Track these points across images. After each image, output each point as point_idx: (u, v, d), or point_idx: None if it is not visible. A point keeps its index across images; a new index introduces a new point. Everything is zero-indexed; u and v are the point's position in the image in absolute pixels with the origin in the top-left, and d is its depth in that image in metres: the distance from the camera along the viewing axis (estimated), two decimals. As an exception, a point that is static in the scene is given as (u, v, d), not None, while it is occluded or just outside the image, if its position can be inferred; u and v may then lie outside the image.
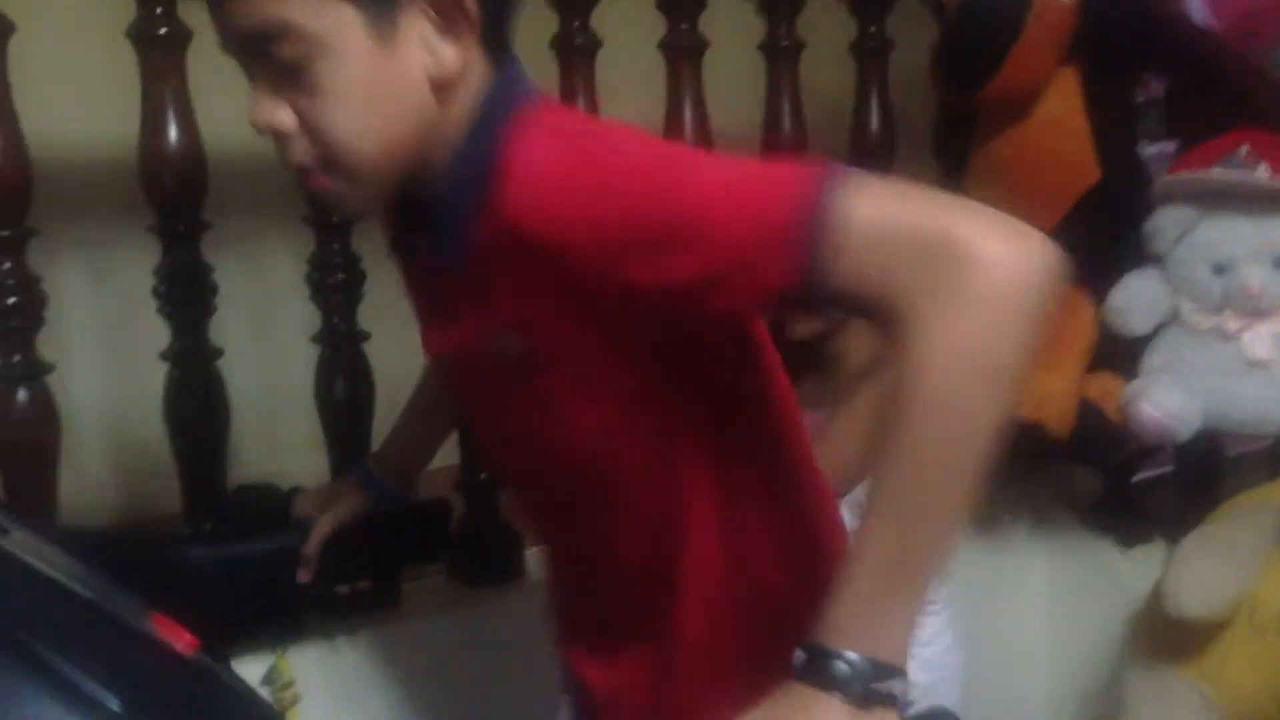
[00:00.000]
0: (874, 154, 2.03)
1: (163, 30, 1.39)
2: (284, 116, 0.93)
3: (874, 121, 2.03)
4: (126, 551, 1.29)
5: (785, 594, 1.02)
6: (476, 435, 1.28)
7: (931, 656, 1.70)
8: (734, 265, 0.86)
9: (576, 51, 1.71)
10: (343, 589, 1.50)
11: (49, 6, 1.34)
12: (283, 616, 1.49)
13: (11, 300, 1.38)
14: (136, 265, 1.49)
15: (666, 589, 1.04)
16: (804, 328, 1.65)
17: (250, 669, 1.48)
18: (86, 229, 1.63)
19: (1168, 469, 2.10)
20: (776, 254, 0.84)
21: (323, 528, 1.37)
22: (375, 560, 1.44)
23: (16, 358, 1.39)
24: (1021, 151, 1.89)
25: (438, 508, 1.43)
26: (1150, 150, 1.99)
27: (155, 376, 1.49)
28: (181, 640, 0.94)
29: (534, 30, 1.68)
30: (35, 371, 1.41)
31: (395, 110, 0.94)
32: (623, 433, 0.99)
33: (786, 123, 1.93)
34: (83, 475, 1.63)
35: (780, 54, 1.92)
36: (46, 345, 1.41)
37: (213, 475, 1.52)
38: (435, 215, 0.97)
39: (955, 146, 2.03)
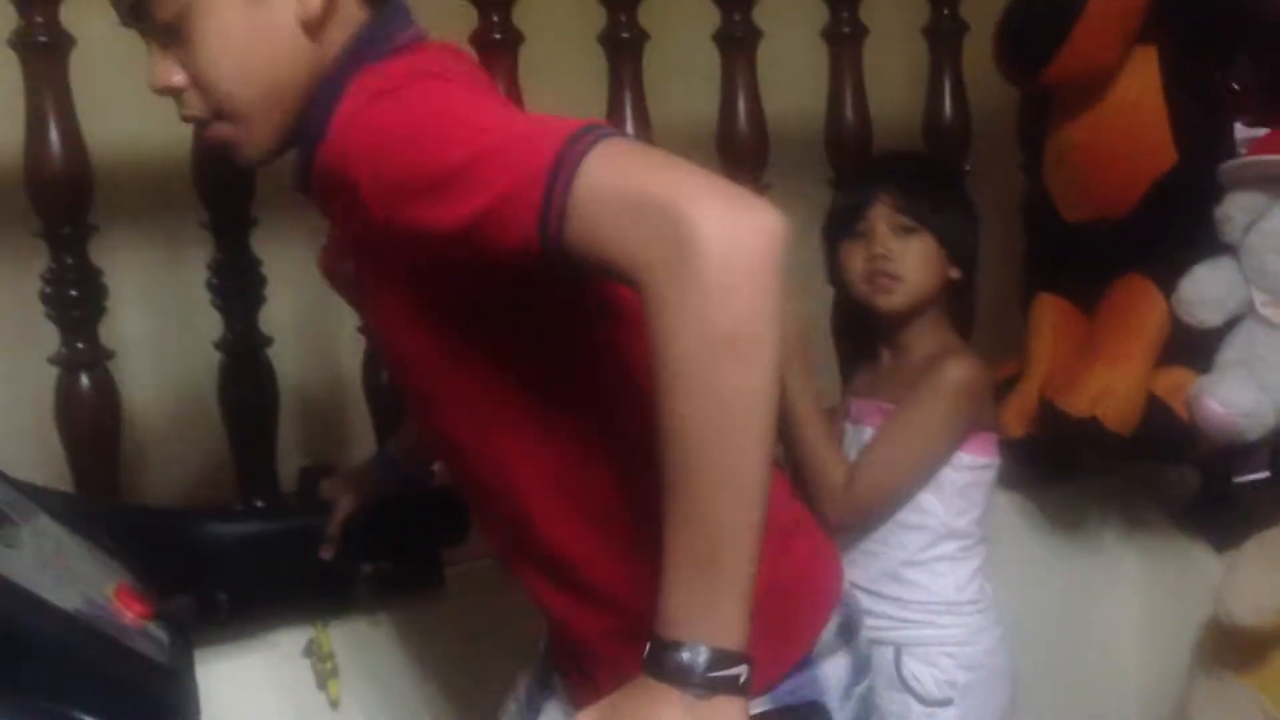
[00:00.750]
0: (947, 140, 2.00)
1: (43, 39, 1.45)
2: (177, 76, 1.02)
3: (947, 107, 1.99)
4: (158, 527, 1.41)
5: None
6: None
7: (970, 656, 1.67)
8: (490, 213, 0.87)
9: (624, 45, 1.74)
10: (367, 568, 1.57)
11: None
12: (318, 592, 1.57)
13: (74, 292, 1.50)
14: (194, 260, 1.60)
15: (523, 509, 1.08)
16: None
17: (292, 641, 1.58)
18: (143, 226, 1.75)
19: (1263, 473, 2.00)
20: (523, 203, 0.85)
21: (343, 509, 1.45)
22: (396, 541, 1.50)
23: (80, 345, 1.51)
24: (1095, 135, 1.83)
25: (457, 493, 1.48)
26: (1244, 135, 1.89)
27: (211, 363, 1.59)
28: (134, 611, 1.02)
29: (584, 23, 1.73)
30: (97, 358, 1.52)
31: (269, 53, 1.01)
32: (441, 363, 1.03)
33: (849, 111, 1.91)
34: (143, 456, 1.77)
35: (843, 40, 1.90)
36: (107, 334, 1.52)
37: (264, 457, 1.61)
38: (300, 142, 1.04)
39: (1036, 131, 1.97)
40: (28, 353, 1.56)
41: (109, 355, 1.54)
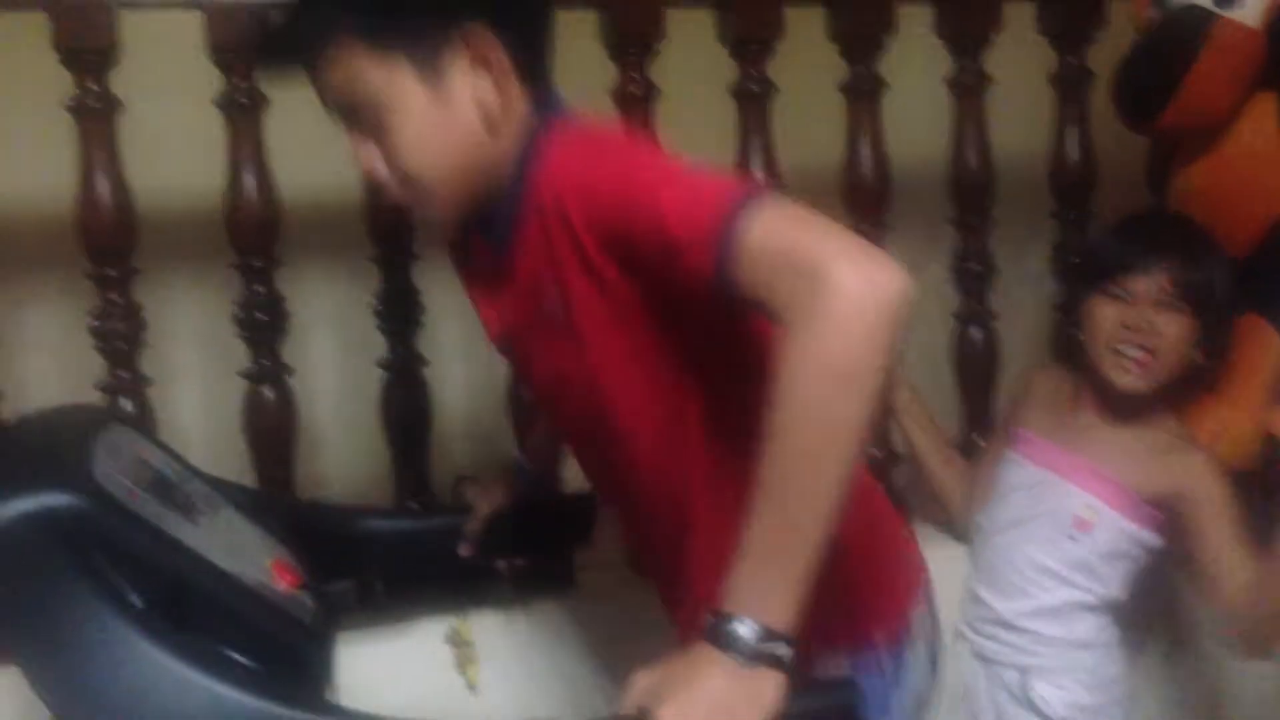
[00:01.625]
0: (1073, 186, 2.07)
1: (244, 100, 1.68)
2: (380, 166, 1.20)
3: (1072, 153, 2.06)
4: (324, 520, 1.61)
5: None
6: (537, 399, 1.47)
7: (1100, 681, 1.75)
8: (675, 245, 1.03)
9: (753, 97, 1.88)
10: (501, 565, 1.75)
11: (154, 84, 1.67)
12: (461, 586, 1.76)
13: (261, 316, 1.73)
14: (364, 289, 1.82)
15: (675, 469, 1.21)
16: None
17: (437, 628, 1.76)
18: (323, 260, 1.98)
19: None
20: (697, 248, 1.02)
21: (481, 510, 1.63)
22: (528, 541, 1.67)
23: (265, 362, 1.74)
24: (1215, 180, 1.88)
25: (585, 499, 1.63)
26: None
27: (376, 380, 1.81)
28: (286, 580, 1.22)
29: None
30: (279, 373, 1.75)
31: (452, 145, 1.18)
32: (628, 381, 1.18)
33: (972, 159, 2.01)
34: (317, 460, 1.99)
35: (965, 90, 2.00)
36: (289, 352, 1.75)
37: (418, 463, 1.82)
38: (494, 218, 1.21)
39: (1164, 176, 2.03)
40: (222, 368, 1.80)
41: (289, 371, 1.76)
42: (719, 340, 1.16)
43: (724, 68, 1.87)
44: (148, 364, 1.71)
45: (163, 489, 1.20)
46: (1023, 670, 1.75)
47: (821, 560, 1.01)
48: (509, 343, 1.31)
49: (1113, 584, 1.72)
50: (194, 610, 1.02)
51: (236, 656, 1.02)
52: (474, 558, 1.67)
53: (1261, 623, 1.61)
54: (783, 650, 1.00)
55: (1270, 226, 1.84)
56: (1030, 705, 1.73)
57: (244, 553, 1.21)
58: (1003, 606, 1.77)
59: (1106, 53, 2.01)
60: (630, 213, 1.07)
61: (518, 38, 1.19)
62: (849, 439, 0.99)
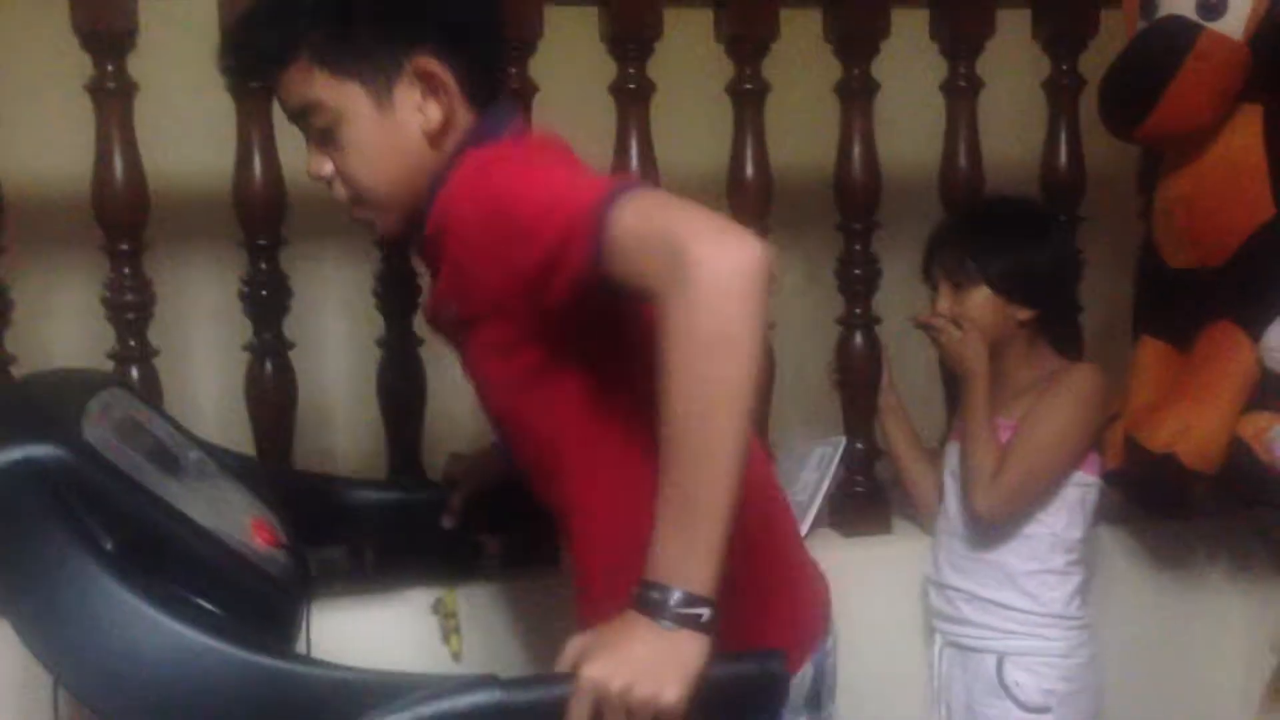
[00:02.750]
0: (1062, 190, 2.11)
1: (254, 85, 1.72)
2: (327, 168, 1.29)
3: (1062, 158, 2.11)
4: (299, 487, 1.69)
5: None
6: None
7: (1070, 668, 1.81)
8: (555, 256, 1.11)
9: (748, 96, 1.95)
10: (484, 539, 1.82)
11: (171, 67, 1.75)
12: (448, 559, 1.83)
13: (264, 292, 1.81)
14: (364, 270, 1.90)
15: (558, 465, 1.29)
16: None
17: (422, 598, 1.84)
18: (325, 241, 2.06)
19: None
20: (576, 246, 1.09)
21: (464, 486, 1.70)
22: (507, 517, 1.73)
23: (266, 336, 1.82)
24: (1197, 186, 1.92)
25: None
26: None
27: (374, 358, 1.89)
28: (262, 538, 1.29)
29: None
30: (279, 347, 1.84)
31: (397, 158, 1.27)
32: (518, 373, 1.25)
33: (962, 160, 2.06)
34: (315, 433, 2.07)
35: (958, 94, 2.06)
36: (290, 328, 1.84)
37: (411, 439, 1.89)
38: (417, 224, 1.29)
39: (1154, 181, 2.06)
40: (229, 342, 1.88)
41: (290, 346, 1.84)
42: (596, 329, 1.22)
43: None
44: (161, 336, 1.79)
45: (151, 448, 1.28)
46: (999, 655, 1.80)
47: (731, 525, 1.06)
48: (435, 327, 1.39)
49: (1053, 522, 1.81)
50: (165, 558, 1.09)
51: (202, 602, 1.09)
52: (460, 532, 1.73)
53: None
54: (705, 613, 1.06)
55: (1249, 234, 1.86)
56: (1005, 692, 1.79)
57: (224, 511, 1.28)
58: (971, 585, 1.83)
59: (1099, 60, 2.05)
60: (506, 236, 1.15)
61: (466, 63, 1.27)
62: (733, 399, 1.05)
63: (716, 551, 1.06)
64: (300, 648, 1.28)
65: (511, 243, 1.15)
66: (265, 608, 1.18)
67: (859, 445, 2.05)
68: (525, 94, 1.84)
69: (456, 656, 1.83)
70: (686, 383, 1.05)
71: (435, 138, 1.27)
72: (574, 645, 1.09)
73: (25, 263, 1.81)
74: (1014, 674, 1.79)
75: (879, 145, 2.02)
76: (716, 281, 1.03)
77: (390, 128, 1.26)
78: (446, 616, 1.82)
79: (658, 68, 1.90)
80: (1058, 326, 1.87)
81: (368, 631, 1.78)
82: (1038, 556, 1.82)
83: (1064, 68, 2.10)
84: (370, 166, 1.27)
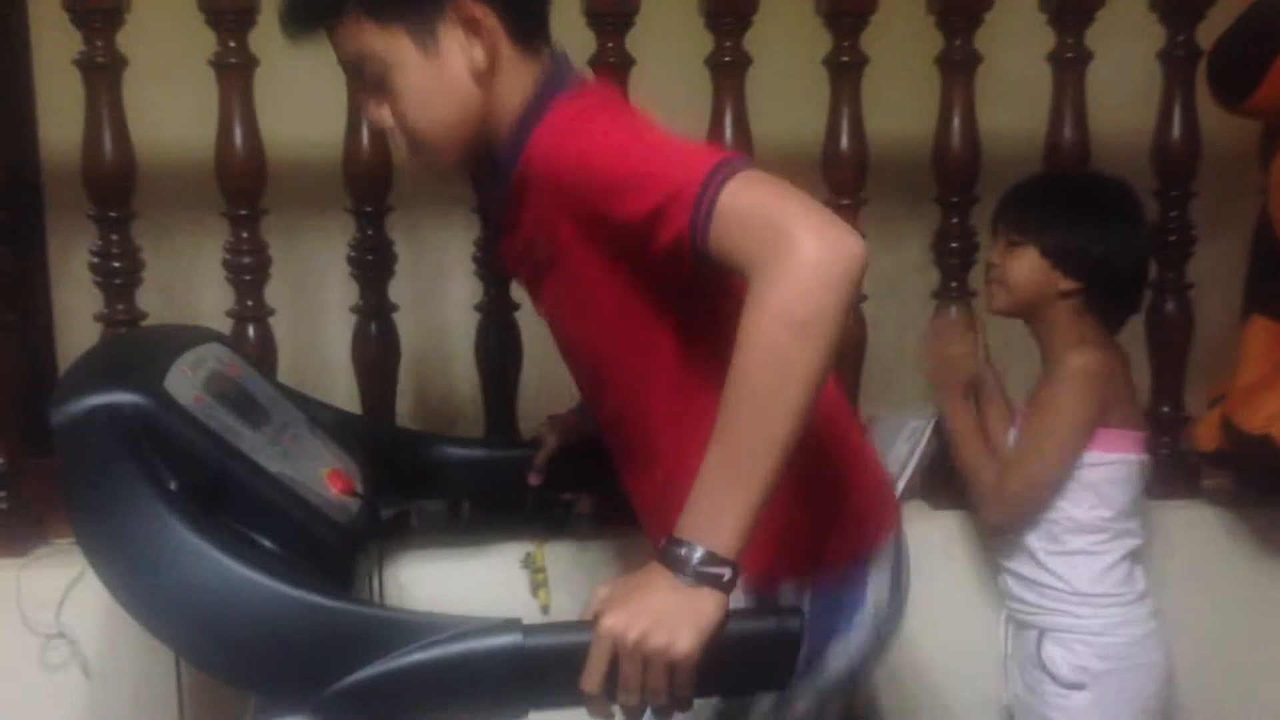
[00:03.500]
0: (1175, 165, 2.06)
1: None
2: (387, 118, 1.35)
3: (1175, 132, 2.05)
4: (395, 442, 1.79)
5: None
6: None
7: (1107, 646, 1.78)
8: (657, 211, 1.14)
9: (844, 68, 1.96)
10: (568, 497, 1.89)
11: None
12: (539, 516, 1.91)
13: (370, 257, 1.91)
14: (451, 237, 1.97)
15: (644, 421, 1.35)
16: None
17: (513, 552, 1.92)
18: (426, 206, 2.14)
19: None
20: (680, 209, 1.12)
21: (549, 444, 1.76)
22: (590, 476, 1.79)
23: (371, 298, 1.93)
24: (1308, 164, 1.85)
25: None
26: None
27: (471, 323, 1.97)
28: (336, 487, 1.39)
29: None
30: (384, 309, 1.94)
31: (448, 100, 1.32)
32: (612, 323, 1.30)
33: (1068, 133, 2.03)
34: (416, 391, 2.18)
35: (1066, 65, 2.02)
36: (394, 291, 1.94)
37: (507, 400, 1.97)
38: (497, 170, 1.34)
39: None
40: (338, 304, 2.00)
41: (394, 308, 1.94)
42: (690, 295, 1.26)
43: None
44: (277, 298, 1.92)
45: (237, 400, 1.38)
46: (1040, 631, 1.81)
47: (773, 496, 1.10)
48: (518, 278, 1.44)
49: (1063, 504, 1.79)
50: (228, 498, 1.19)
51: (263, 540, 1.19)
52: (547, 489, 1.81)
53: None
54: (726, 573, 1.10)
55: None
56: (1043, 667, 1.78)
57: (300, 459, 1.38)
58: (1014, 564, 1.85)
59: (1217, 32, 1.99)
60: (610, 187, 1.19)
61: (506, 3, 1.31)
62: (802, 384, 1.08)
63: (749, 520, 1.10)
64: (367, 591, 1.37)
65: (614, 194, 1.19)
66: (324, 547, 1.27)
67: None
68: (622, 67, 1.89)
69: (545, 609, 1.90)
70: (762, 356, 1.08)
71: (483, 78, 1.31)
72: (598, 594, 1.14)
73: (157, 227, 1.95)
74: (1050, 650, 1.79)
75: (981, 118, 2.00)
76: (815, 268, 1.07)
77: (438, 71, 1.30)
78: (535, 571, 1.90)
79: (752, 40, 1.92)
80: (1109, 307, 1.82)
81: (461, 582, 1.88)
82: (1056, 539, 1.80)
83: (1180, 38, 2.03)
84: (423, 110, 1.32)
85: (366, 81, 1.34)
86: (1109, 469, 1.77)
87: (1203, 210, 2.10)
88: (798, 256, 1.07)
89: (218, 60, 1.84)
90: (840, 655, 1.38)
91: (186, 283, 2.28)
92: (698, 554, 1.09)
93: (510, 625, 1.11)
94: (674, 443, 1.31)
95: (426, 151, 1.36)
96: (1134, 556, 1.82)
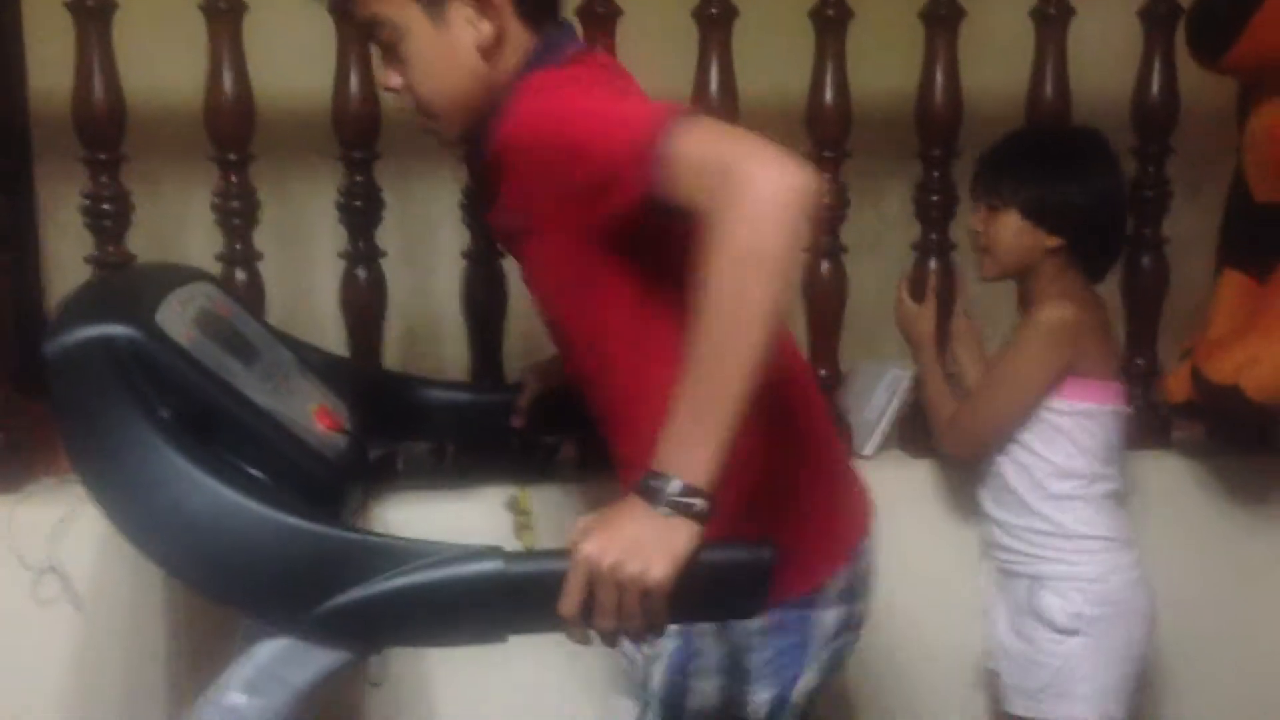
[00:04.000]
0: (1153, 121, 2.09)
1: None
2: (395, 80, 1.39)
3: (1154, 89, 2.08)
4: (381, 384, 1.82)
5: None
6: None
7: (1100, 592, 1.83)
8: (610, 175, 1.18)
9: (829, 22, 1.98)
10: (549, 440, 1.92)
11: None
12: (523, 459, 1.95)
13: (358, 204, 1.94)
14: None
15: (608, 373, 1.39)
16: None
17: (497, 495, 1.96)
18: (416, 155, 2.16)
19: None
20: (632, 169, 1.16)
21: (531, 388, 1.80)
22: (569, 420, 1.82)
23: (360, 244, 1.95)
24: (1274, 123, 1.89)
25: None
26: None
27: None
28: (324, 423, 1.42)
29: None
30: (372, 254, 1.96)
31: (454, 71, 1.37)
32: (569, 286, 1.35)
33: (1049, 88, 2.06)
34: (404, 339, 2.21)
35: (1048, 21, 2.05)
36: (381, 238, 1.96)
37: (492, 347, 2.00)
38: (479, 140, 1.38)
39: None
40: (327, 251, 2.02)
41: (381, 254, 1.97)
42: (642, 251, 1.29)
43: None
44: (266, 243, 1.95)
45: (228, 338, 1.41)
46: (1030, 579, 1.84)
47: (740, 430, 1.14)
48: (502, 245, 1.48)
49: (1039, 449, 1.84)
50: (218, 428, 1.23)
51: (251, 469, 1.22)
52: (531, 434, 1.85)
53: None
54: (699, 504, 1.13)
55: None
56: (1037, 614, 1.83)
57: (290, 396, 1.41)
58: (1003, 514, 1.89)
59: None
60: (570, 150, 1.23)
61: None
62: (763, 315, 1.11)
63: (720, 451, 1.13)
64: (355, 523, 1.40)
65: (570, 160, 1.23)
66: (312, 479, 1.30)
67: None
68: (609, 16, 1.91)
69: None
70: (718, 291, 1.11)
71: (489, 52, 1.36)
72: (578, 525, 1.18)
73: (148, 171, 1.97)
74: (1044, 597, 1.83)
75: (964, 75, 2.03)
76: (760, 200, 1.10)
77: (446, 42, 1.36)
78: (520, 513, 1.94)
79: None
80: (1093, 258, 1.86)
81: (445, 523, 1.90)
82: (1041, 484, 1.85)
83: (1160, -4, 2.06)
84: (429, 78, 1.38)
85: (379, 46, 1.38)
86: (1079, 417, 1.81)
87: (1182, 169, 2.13)
88: (750, 193, 1.10)
89: (208, 5, 1.86)
90: (805, 673, 1.44)
91: (176, 227, 2.29)
92: (673, 485, 1.13)
93: (491, 552, 1.15)
94: (636, 393, 1.35)
95: (433, 117, 1.41)
96: (1117, 501, 1.87)
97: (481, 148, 1.39)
